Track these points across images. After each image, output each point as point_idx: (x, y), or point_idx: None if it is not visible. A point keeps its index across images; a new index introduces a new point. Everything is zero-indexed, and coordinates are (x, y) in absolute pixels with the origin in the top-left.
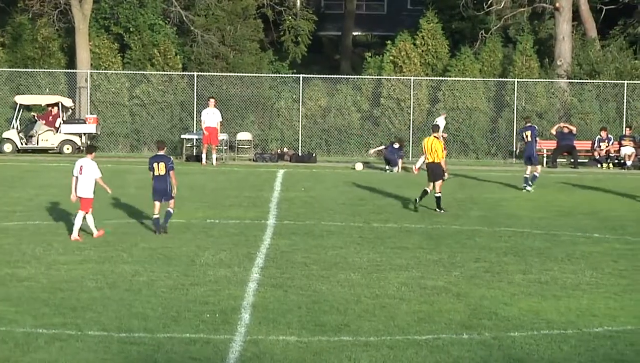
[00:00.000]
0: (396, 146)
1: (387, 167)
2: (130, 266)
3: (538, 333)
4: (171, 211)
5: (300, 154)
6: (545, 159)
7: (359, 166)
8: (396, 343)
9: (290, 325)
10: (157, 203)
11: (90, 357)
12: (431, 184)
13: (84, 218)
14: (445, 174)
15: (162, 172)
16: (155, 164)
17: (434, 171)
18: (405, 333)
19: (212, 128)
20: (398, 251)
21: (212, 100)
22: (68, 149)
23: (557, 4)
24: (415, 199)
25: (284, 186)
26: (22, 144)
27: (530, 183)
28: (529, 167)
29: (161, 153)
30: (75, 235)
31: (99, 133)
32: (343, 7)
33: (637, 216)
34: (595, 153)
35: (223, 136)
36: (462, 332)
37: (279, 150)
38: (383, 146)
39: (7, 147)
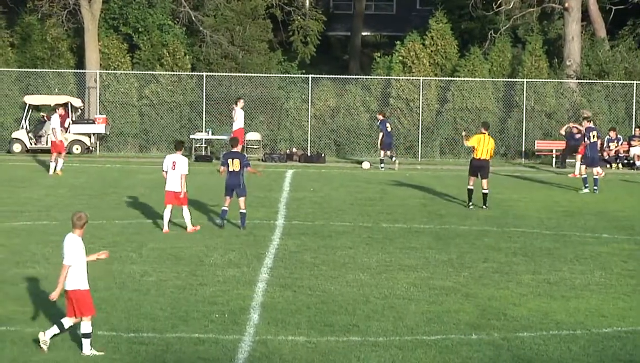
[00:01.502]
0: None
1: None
2: (139, 267)
3: (547, 333)
4: (244, 211)
5: (309, 154)
6: (554, 159)
7: (366, 165)
8: (405, 344)
9: (299, 326)
10: (228, 198)
11: (100, 356)
12: (472, 179)
13: (172, 211)
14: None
15: (237, 168)
16: (230, 161)
17: (484, 168)
18: (414, 334)
19: (240, 130)
20: (407, 251)
21: (241, 101)
22: (77, 149)
23: (566, 4)
24: (469, 203)
25: (292, 187)
26: (31, 144)
27: (595, 186)
28: (593, 169)
29: (235, 150)
30: (165, 228)
31: (108, 133)
32: (352, 8)
33: None
34: (605, 153)
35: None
36: (470, 333)
37: (287, 150)
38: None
39: (17, 147)
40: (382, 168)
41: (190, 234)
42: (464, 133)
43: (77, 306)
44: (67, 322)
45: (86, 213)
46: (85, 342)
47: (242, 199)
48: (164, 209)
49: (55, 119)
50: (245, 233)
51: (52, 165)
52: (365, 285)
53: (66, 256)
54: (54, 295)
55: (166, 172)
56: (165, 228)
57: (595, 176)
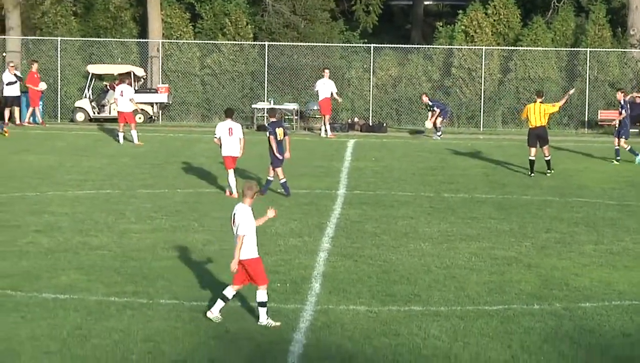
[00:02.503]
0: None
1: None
2: (202, 236)
3: (609, 304)
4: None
5: (370, 124)
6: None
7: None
8: (466, 314)
9: (361, 295)
10: (280, 169)
11: (162, 325)
12: (533, 150)
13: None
14: None
15: (282, 137)
16: (278, 130)
17: (542, 136)
18: (476, 304)
19: (326, 99)
20: (468, 221)
21: (327, 71)
22: (140, 118)
23: None
24: (531, 172)
25: (354, 156)
26: (94, 113)
27: None
28: None
29: (274, 120)
30: (233, 192)
31: (170, 103)
32: None
33: None
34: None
35: (294, 106)
36: (532, 303)
37: (349, 120)
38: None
39: (80, 116)
40: (439, 136)
41: (257, 201)
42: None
43: (253, 275)
44: (230, 291)
45: (256, 183)
46: (262, 311)
47: (280, 169)
48: (227, 174)
49: (128, 89)
50: (307, 203)
51: (121, 135)
52: (426, 255)
53: (240, 227)
54: (233, 266)
55: (219, 138)
56: (234, 193)
57: None
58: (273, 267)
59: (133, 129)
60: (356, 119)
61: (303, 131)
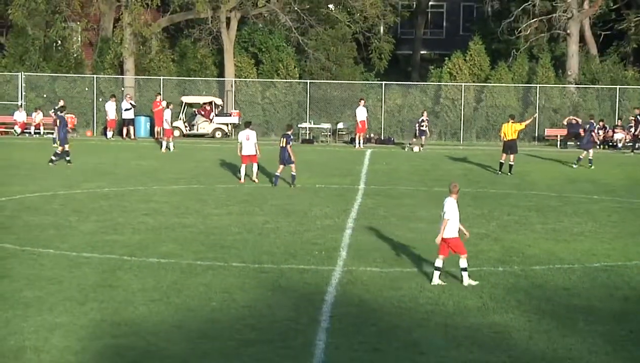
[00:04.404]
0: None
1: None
2: (262, 218)
3: (553, 267)
4: (294, 173)
5: (382, 138)
6: (558, 142)
7: (415, 149)
8: (451, 274)
9: (375, 260)
10: (281, 166)
11: (234, 281)
12: (504, 155)
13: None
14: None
15: (283, 144)
16: (282, 139)
17: (512, 147)
18: (457, 266)
19: (363, 121)
20: None
21: (362, 100)
22: (218, 134)
23: (568, 31)
24: (499, 171)
25: (370, 161)
26: (186, 131)
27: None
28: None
29: (288, 132)
30: (242, 179)
31: (240, 123)
32: (414, 33)
33: (624, 183)
34: (595, 138)
35: (328, 125)
36: (498, 266)
37: (367, 136)
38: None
39: (176, 133)
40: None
41: (298, 194)
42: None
43: (455, 249)
44: (439, 261)
45: (457, 183)
46: (464, 274)
47: (293, 166)
48: (241, 167)
49: (167, 113)
50: (337, 194)
51: (164, 144)
52: (422, 232)
53: (447, 213)
54: (438, 240)
55: (241, 143)
56: (242, 180)
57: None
58: (312, 240)
59: (171, 141)
60: (372, 135)
61: (334, 143)
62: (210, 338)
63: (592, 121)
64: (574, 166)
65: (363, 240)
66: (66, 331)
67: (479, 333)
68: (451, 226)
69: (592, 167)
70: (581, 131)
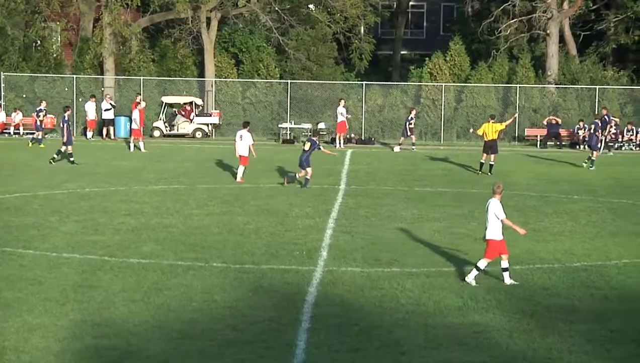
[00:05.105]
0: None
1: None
2: (243, 218)
3: (533, 266)
4: (309, 178)
5: (363, 138)
6: (538, 142)
7: (396, 149)
8: (431, 273)
9: (356, 260)
10: (304, 171)
11: (215, 281)
12: (485, 155)
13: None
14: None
15: (307, 148)
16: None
17: (492, 147)
18: (438, 266)
19: (342, 121)
20: (433, 207)
21: (342, 101)
22: (199, 134)
23: (548, 31)
24: (479, 171)
25: (351, 161)
26: (166, 131)
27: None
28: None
29: (314, 138)
30: (238, 179)
31: (220, 123)
32: (394, 34)
33: (604, 183)
34: (575, 138)
35: (308, 125)
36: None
37: (347, 136)
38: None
39: (156, 133)
40: (413, 149)
41: (279, 195)
42: (471, 130)
43: (494, 251)
44: (483, 262)
45: (501, 184)
46: (505, 274)
47: (309, 170)
48: (238, 166)
49: (135, 113)
50: (318, 194)
51: (132, 145)
52: (403, 231)
53: (499, 213)
54: (522, 231)
55: (236, 142)
56: (239, 179)
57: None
58: (293, 240)
59: (141, 141)
60: (352, 135)
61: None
62: (191, 339)
63: (597, 120)
64: (591, 168)
65: (344, 240)
66: (46, 331)
67: (460, 332)
68: (494, 228)
69: (593, 168)
70: (584, 132)
